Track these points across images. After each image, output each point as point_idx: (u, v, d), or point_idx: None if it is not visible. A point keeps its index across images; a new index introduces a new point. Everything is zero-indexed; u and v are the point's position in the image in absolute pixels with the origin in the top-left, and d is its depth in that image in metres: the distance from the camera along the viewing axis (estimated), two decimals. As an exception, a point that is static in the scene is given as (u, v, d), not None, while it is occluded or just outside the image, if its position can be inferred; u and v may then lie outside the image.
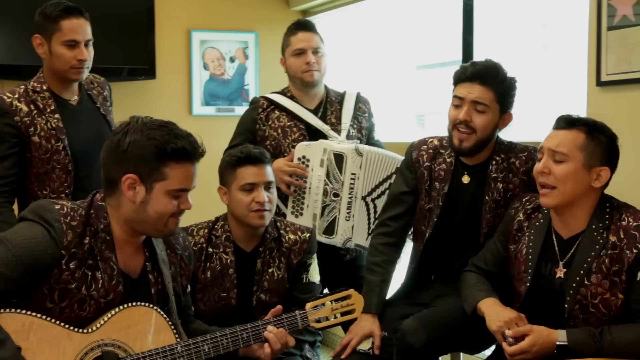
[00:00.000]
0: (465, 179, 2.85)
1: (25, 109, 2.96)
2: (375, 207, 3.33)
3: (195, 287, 2.89)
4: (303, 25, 3.50)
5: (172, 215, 2.20)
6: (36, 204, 2.18)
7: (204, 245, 2.92)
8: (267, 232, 2.93)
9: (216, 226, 2.96)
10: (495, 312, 2.46)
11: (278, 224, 2.98)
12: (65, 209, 2.15)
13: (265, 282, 2.91)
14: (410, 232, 3.08)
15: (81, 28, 3.01)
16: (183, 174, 2.17)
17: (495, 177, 2.81)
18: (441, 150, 2.90)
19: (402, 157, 3.28)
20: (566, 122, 2.42)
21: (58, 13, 2.96)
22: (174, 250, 2.40)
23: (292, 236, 2.97)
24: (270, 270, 2.92)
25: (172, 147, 2.14)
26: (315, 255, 3.04)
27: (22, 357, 1.98)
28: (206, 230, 2.94)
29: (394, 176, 3.22)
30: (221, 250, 2.91)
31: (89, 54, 3.03)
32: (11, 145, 2.94)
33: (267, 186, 2.88)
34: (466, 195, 2.85)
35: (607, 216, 2.38)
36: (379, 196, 3.33)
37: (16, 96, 2.97)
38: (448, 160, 2.88)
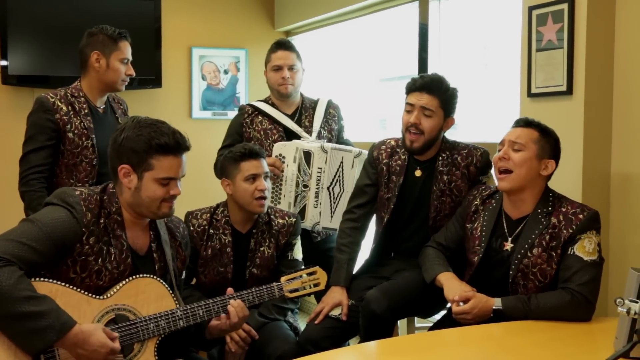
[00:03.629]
0: (418, 173, 2.85)
1: (64, 108, 2.94)
2: (334, 194, 3.32)
3: (197, 262, 2.89)
4: (282, 45, 3.46)
5: (163, 200, 2.17)
6: (59, 191, 2.16)
7: (206, 227, 2.90)
8: (260, 216, 2.93)
9: (217, 211, 2.94)
10: (452, 284, 2.49)
11: (268, 210, 2.97)
12: (84, 194, 2.15)
13: (257, 258, 2.91)
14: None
15: (130, 50, 3.06)
16: (167, 165, 2.15)
17: (442, 170, 2.80)
18: (397, 149, 2.90)
19: (358, 149, 3.32)
20: (524, 122, 2.47)
21: (117, 36, 2.99)
22: (174, 236, 2.37)
23: (280, 220, 2.96)
24: (261, 249, 2.92)
25: (156, 142, 2.13)
26: (299, 237, 3.03)
27: (62, 309, 1.97)
28: (208, 215, 2.93)
29: (347, 164, 3.28)
30: (220, 231, 2.90)
31: None
32: (49, 138, 2.92)
33: (265, 176, 2.89)
34: (417, 186, 2.84)
35: (550, 203, 2.43)
36: (335, 184, 3.32)
37: (58, 97, 2.96)
38: (403, 157, 2.88)
